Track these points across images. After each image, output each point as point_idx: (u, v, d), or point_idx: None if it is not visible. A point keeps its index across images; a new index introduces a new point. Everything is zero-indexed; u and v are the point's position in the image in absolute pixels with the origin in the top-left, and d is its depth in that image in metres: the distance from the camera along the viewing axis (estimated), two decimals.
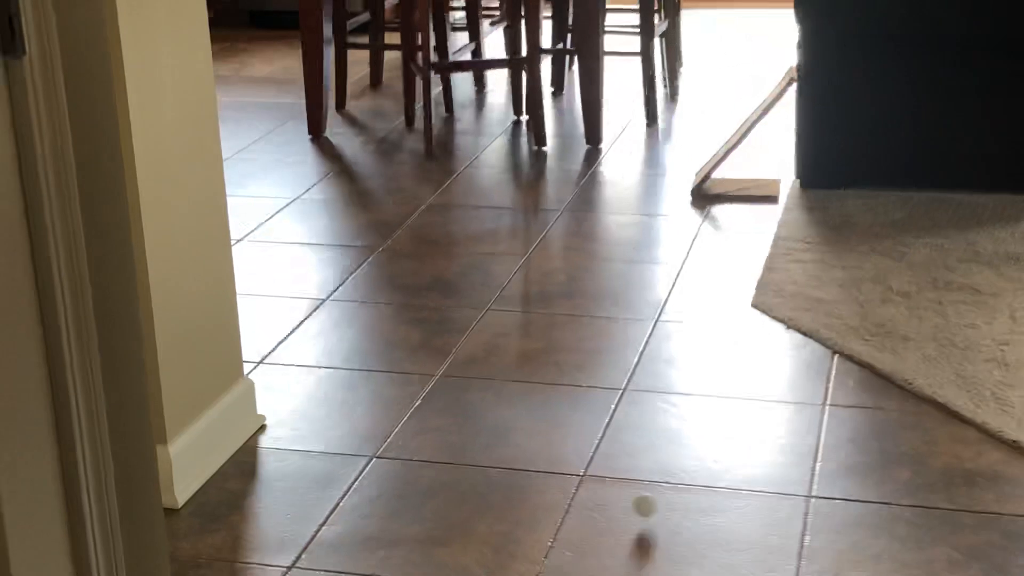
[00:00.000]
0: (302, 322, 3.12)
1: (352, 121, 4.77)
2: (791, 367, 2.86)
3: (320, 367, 2.89)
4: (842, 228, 3.61)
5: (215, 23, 6.03)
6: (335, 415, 2.69)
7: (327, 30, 4.53)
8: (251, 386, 2.63)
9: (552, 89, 5.06)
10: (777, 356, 2.92)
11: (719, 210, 3.81)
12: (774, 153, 4.20)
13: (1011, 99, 3.76)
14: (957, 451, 2.50)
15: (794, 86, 3.90)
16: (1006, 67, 3.74)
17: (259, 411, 2.66)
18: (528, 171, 4.25)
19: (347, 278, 3.37)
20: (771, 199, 3.87)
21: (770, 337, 3.00)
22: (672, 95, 4.99)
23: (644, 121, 4.65)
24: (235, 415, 2.56)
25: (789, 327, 3.04)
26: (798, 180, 3.94)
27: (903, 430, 2.58)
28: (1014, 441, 2.52)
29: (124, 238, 1.53)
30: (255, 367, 2.88)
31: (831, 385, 2.76)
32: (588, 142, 4.44)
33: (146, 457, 1.59)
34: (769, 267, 3.37)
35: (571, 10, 4.81)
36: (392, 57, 5.38)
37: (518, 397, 2.75)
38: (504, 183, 4.13)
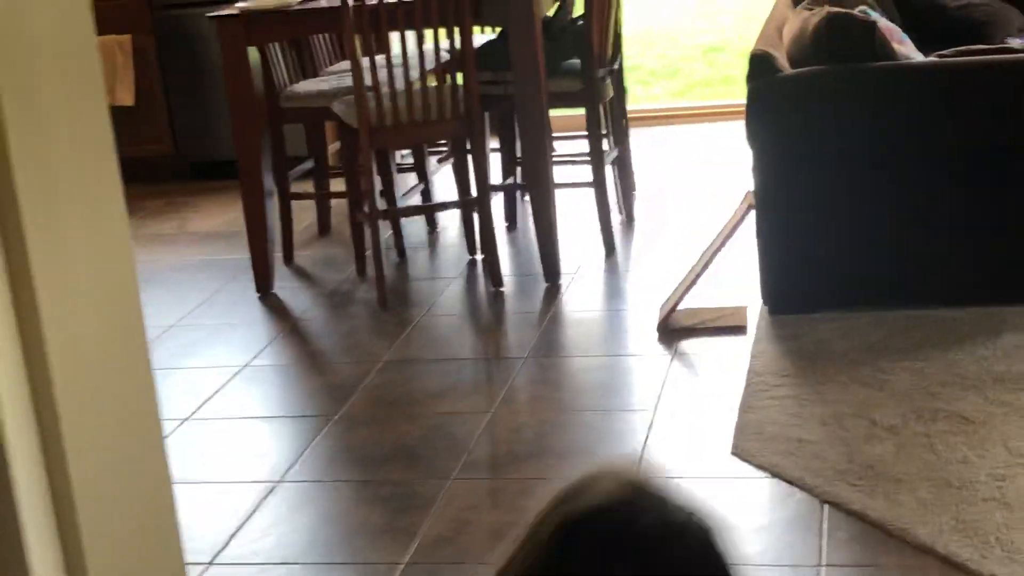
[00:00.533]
0: (254, 510, 2.91)
1: (301, 273, 4.60)
2: (780, 523, 2.68)
3: (276, 563, 2.68)
4: (817, 357, 3.45)
5: (157, 176, 5.90)
6: None
7: (268, 181, 4.38)
8: None
9: (506, 224, 4.92)
10: (764, 511, 2.73)
11: (687, 345, 3.65)
12: (738, 279, 4.06)
13: (974, 209, 3.64)
14: None
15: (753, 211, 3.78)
16: (965, 177, 3.63)
17: None
18: (487, 315, 4.09)
19: (301, 455, 3.17)
20: (740, 329, 3.72)
21: (754, 489, 2.82)
22: (628, 220, 4.86)
23: (602, 251, 4.51)
24: None
25: (773, 475, 2.86)
26: (766, 306, 3.79)
27: None
28: None
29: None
30: (205, 569, 2.67)
31: (824, 541, 2.58)
32: (546, 279, 4.29)
33: None
34: (746, 407, 3.20)
35: (518, 142, 4.70)
36: (340, 203, 5.23)
37: None
38: (463, 330, 3.96)
